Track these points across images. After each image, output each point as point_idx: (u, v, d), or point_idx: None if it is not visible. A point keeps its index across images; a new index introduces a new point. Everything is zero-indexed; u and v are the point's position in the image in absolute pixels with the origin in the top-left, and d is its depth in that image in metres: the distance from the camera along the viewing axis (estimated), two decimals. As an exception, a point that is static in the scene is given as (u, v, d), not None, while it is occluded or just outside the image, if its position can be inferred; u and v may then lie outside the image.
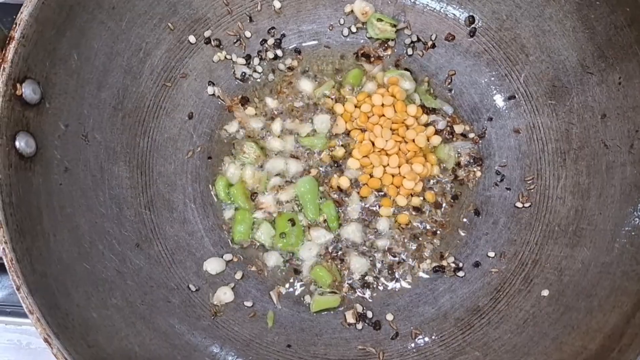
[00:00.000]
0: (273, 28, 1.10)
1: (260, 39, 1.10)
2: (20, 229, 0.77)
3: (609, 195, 0.94)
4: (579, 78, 0.98)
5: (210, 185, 1.05)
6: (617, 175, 0.94)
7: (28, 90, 0.81)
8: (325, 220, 1.04)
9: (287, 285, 1.02)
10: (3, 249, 0.74)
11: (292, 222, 1.03)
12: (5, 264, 0.74)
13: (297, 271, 1.03)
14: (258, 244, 1.03)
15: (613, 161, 0.94)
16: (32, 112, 0.82)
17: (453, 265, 1.02)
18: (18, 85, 0.79)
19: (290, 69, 1.10)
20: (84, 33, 0.90)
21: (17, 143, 0.79)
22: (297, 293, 1.02)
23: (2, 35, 0.79)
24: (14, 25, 0.79)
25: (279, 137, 1.07)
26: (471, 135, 1.08)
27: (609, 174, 0.95)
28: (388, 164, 1.04)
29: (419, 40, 1.10)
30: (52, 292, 0.78)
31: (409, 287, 1.03)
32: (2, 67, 0.78)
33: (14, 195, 0.77)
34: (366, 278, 1.02)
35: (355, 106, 1.08)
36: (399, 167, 1.04)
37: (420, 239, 1.04)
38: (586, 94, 0.98)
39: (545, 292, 0.95)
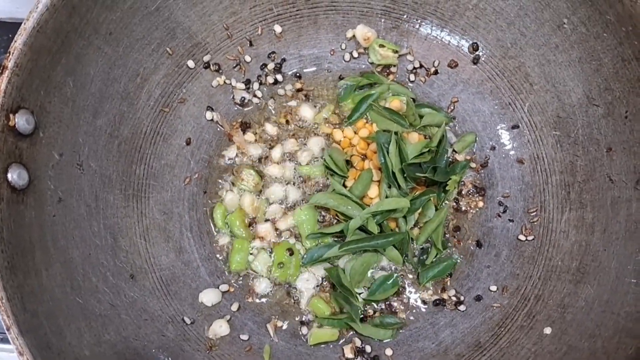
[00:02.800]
0: (273, 52, 1.08)
1: (261, 64, 1.08)
2: (11, 266, 0.75)
3: (614, 231, 0.92)
4: (584, 110, 0.97)
5: (207, 213, 1.03)
6: (623, 211, 0.92)
7: (21, 121, 0.79)
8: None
9: (283, 318, 1.01)
10: (-7, 287, 0.72)
11: (291, 251, 1.01)
12: (-5, 303, 0.72)
13: (289, 294, 1.01)
14: (255, 273, 1.01)
15: (618, 196, 0.93)
16: (25, 143, 0.80)
17: (454, 298, 1.01)
18: (11, 115, 0.77)
19: (296, 91, 1.08)
20: (79, 60, 0.88)
21: (9, 176, 0.77)
22: (294, 325, 1.00)
23: (-4, 63, 0.77)
24: (7, 54, 0.77)
25: (278, 164, 1.05)
26: (473, 164, 1.06)
27: (614, 209, 0.93)
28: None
29: (421, 66, 1.09)
30: (44, 331, 0.76)
31: (410, 319, 1.01)
32: (-5, 98, 0.76)
33: (5, 231, 0.75)
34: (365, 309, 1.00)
35: (355, 132, 1.06)
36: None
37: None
38: (592, 126, 0.96)
39: (547, 330, 0.93)
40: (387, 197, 1.00)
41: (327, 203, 1.00)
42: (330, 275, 0.99)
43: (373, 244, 0.97)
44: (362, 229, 1.00)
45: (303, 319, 1.00)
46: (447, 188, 1.02)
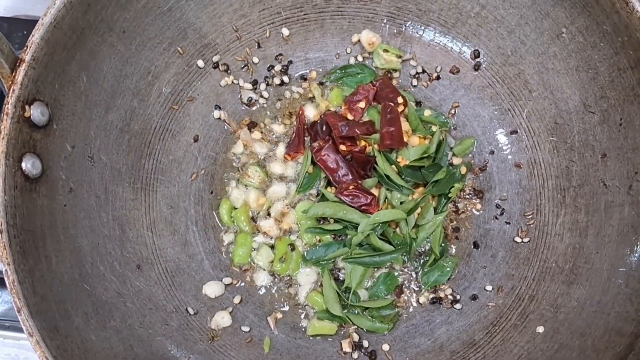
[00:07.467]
0: (280, 55, 1.11)
1: (268, 65, 1.11)
2: (23, 251, 0.78)
3: (607, 234, 0.95)
4: (580, 117, 1.00)
5: (212, 208, 1.06)
6: (615, 215, 0.95)
7: (36, 112, 0.82)
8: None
9: (283, 309, 1.03)
10: (6, 270, 0.75)
11: (292, 247, 1.04)
12: (7, 285, 0.75)
13: (290, 287, 1.04)
14: (257, 267, 1.04)
15: (612, 201, 0.95)
16: (39, 134, 0.83)
17: (450, 297, 1.03)
18: (27, 107, 0.80)
19: (302, 92, 1.11)
20: (93, 56, 0.91)
21: (23, 164, 0.80)
22: (294, 318, 1.03)
23: (13, 57, 0.80)
24: (25, 48, 0.81)
25: (281, 161, 1.08)
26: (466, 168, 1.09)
27: (607, 213, 0.96)
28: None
29: (424, 71, 1.12)
30: (52, 315, 0.79)
31: (406, 317, 1.03)
32: (11, 89, 0.79)
33: (18, 217, 0.78)
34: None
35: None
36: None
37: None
38: (587, 132, 0.99)
39: (540, 329, 0.96)
40: (386, 199, 1.03)
41: (325, 213, 1.01)
42: (324, 279, 1.02)
43: (377, 259, 1.00)
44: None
45: (302, 312, 1.03)
46: (449, 195, 1.05)
